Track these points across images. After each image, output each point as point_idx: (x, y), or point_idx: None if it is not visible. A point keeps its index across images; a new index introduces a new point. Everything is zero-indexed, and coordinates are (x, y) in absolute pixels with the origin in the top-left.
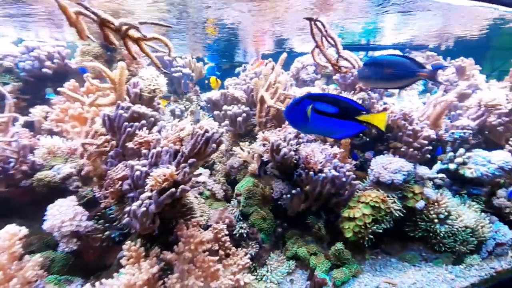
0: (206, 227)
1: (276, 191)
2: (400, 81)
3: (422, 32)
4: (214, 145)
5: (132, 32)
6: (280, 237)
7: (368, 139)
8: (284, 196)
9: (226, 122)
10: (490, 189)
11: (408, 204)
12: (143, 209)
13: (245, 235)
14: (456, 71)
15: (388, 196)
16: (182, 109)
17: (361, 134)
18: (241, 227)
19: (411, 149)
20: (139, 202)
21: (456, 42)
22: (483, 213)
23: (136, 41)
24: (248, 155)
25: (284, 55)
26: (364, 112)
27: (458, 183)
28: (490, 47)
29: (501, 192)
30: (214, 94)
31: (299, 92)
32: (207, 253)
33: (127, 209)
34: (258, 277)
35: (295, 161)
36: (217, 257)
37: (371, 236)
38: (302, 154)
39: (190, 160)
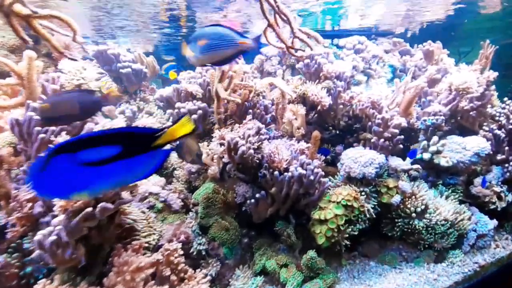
0: (157, 248)
1: (239, 196)
2: (224, 52)
3: (387, 15)
4: None
5: (19, 8)
6: (247, 249)
7: (337, 132)
8: (248, 201)
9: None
10: (467, 177)
11: (382, 200)
12: (53, 237)
13: (204, 252)
14: (423, 55)
15: (361, 193)
16: (134, 110)
17: (330, 128)
18: (199, 243)
19: (382, 140)
20: (49, 229)
21: (422, 30)
22: (461, 204)
23: (26, 19)
24: (207, 157)
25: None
26: (160, 133)
27: (434, 174)
28: (456, 33)
29: (478, 180)
30: (166, 91)
31: (260, 83)
32: (152, 282)
33: (35, 238)
34: None
35: (258, 160)
36: (167, 286)
37: (347, 242)
38: (266, 152)
39: None
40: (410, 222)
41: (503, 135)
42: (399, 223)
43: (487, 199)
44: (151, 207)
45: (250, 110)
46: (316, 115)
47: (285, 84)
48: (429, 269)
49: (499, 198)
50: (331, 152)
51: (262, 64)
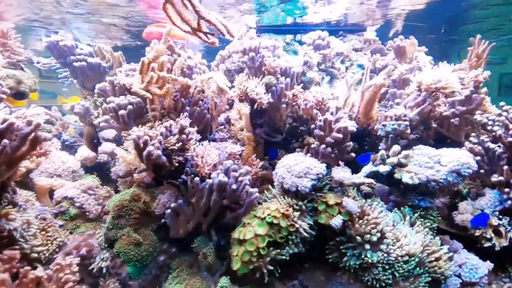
0: (52, 261)
1: (159, 205)
2: None
3: (355, 7)
4: (5, 143)
5: None
6: (165, 268)
7: (283, 135)
8: (167, 211)
9: (105, 117)
10: (450, 200)
11: (320, 221)
12: None
13: (105, 270)
14: (394, 53)
15: (295, 209)
16: (86, 107)
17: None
18: (102, 259)
19: (323, 145)
20: None
21: (408, 26)
22: (438, 236)
23: None
24: (135, 158)
25: (168, 28)
26: None
27: (398, 192)
28: (456, 28)
29: (465, 206)
30: (102, 84)
31: (200, 78)
32: None
33: None
34: None
35: (177, 164)
36: None
37: (270, 267)
38: (191, 154)
39: None
40: (362, 255)
41: (499, 150)
42: (348, 253)
43: (477, 233)
44: (62, 213)
45: (188, 108)
46: (266, 116)
47: (223, 79)
48: None
49: (497, 233)
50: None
51: (223, 61)
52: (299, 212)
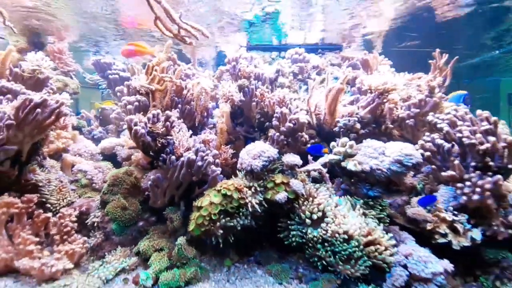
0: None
1: (145, 180)
2: None
3: (330, 31)
4: (38, 111)
5: None
6: (144, 233)
7: (255, 130)
8: (148, 182)
9: (117, 110)
10: (409, 198)
11: (267, 196)
12: None
13: (95, 224)
14: (361, 65)
15: (251, 187)
16: (114, 109)
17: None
18: (95, 215)
19: (277, 134)
20: None
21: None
22: (374, 222)
23: None
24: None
25: (169, 42)
26: None
27: (348, 181)
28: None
29: (417, 199)
30: (121, 87)
31: (191, 83)
32: (29, 231)
33: None
34: (90, 269)
35: (160, 145)
36: (38, 239)
37: (220, 231)
38: (172, 138)
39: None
40: (304, 230)
41: (448, 146)
42: (294, 230)
43: (429, 227)
44: (75, 181)
45: (180, 105)
46: (245, 116)
47: (208, 81)
48: None
49: (454, 230)
50: None
51: (222, 75)
52: (252, 190)
